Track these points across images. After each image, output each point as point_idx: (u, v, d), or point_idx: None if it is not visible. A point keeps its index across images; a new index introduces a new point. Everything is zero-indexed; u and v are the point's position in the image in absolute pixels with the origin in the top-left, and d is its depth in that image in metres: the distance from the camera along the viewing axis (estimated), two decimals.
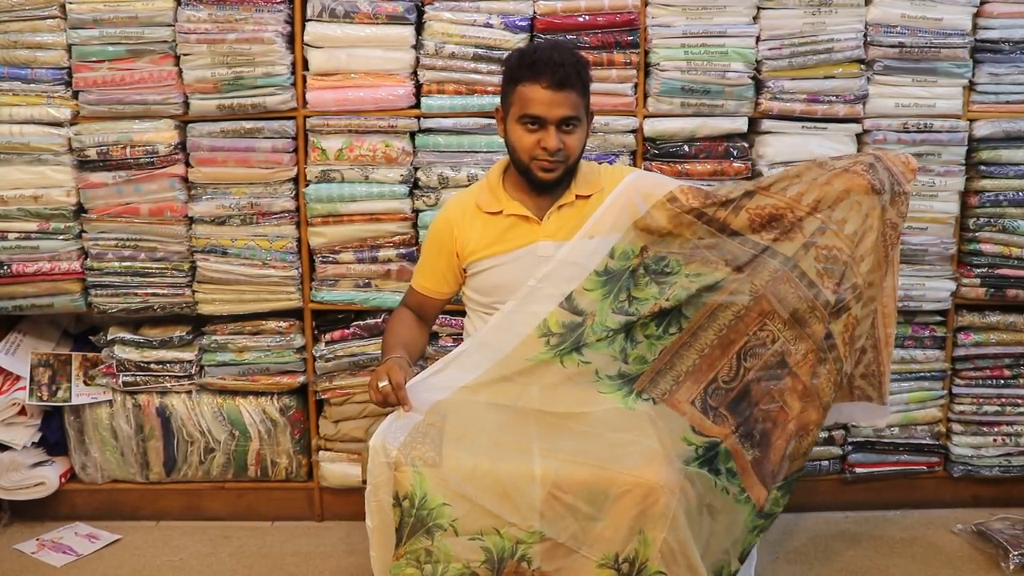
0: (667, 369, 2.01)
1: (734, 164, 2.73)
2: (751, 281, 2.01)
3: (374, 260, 2.78)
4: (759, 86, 2.72)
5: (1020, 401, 2.88)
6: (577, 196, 2.13)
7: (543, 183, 2.08)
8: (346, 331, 2.83)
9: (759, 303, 1.99)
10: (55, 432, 2.89)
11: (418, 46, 2.70)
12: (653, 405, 1.99)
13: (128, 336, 2.83)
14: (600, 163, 2.28)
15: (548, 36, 2.67)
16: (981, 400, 2.88)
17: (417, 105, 2.73)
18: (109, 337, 2.84)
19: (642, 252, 2.07)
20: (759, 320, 1.99)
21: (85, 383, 2.87)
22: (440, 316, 2.77)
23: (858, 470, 2.89)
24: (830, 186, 2.00)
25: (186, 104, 2.72)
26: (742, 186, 2.10)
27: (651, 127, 2.72)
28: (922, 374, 2.86)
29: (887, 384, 2.21)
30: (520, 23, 2.67)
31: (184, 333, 2.84)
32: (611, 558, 1.78)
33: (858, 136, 2.75)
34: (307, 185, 2.74)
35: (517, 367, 2.00)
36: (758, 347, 1.99)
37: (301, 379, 2.85)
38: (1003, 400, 2.88)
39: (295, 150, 2.74)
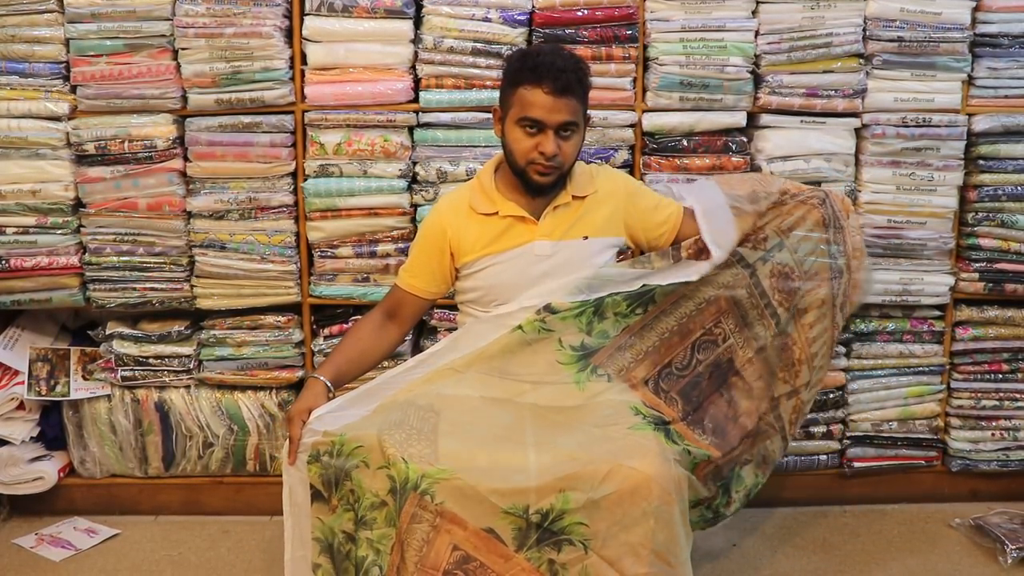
0: (627, 347, 2.09)
1: (733, 159, 2.73)
2: (716, 278, 2.13)
3: (372, 255, 2.78)
4: (758, 80, 2.72)
5: (1018, 395, 2.88)
6: (573, 197, 2.15)
7: (538, 187, 2.10)
8: (344, 325, 2.82)
9: (718, 300, 2.13)
10: (54, 427, 2.89)
11: (416, 40, 2.70)
12: (608, 381, 2.03)
13: (126, 331, 2.83)
14: (593, 163, 2.29)
15: (547, 30, 2.67)
16: (979, 394, 2.88)
17: (416, 100, 2.73)
18: (107, 332, 2.84)
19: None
20: (715, 316, 2.13)
21: (84, 378, 2.87)
22: (439, 312, 2.79)
23: (856, 464, 2.89)
24: (790, 215, 2.20)
25: (184, 98, 2.71)
26: None
27: (650, 121, 2.71)
28: (920, 368, 2.87)
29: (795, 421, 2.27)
30: (519, 17, 2.67)
31: (183, 328, 2.84)
32: (521, 508, 1.79)
33: (857, 131, 2.75)
34: (305, 180, 2.74)
35: (484, 350, 2.06)
36: (710, 342, 2.13)
37: (300, 374, 2.85)
38: (1001, 395, 2.88)
39: (293, 144, 2.73)
